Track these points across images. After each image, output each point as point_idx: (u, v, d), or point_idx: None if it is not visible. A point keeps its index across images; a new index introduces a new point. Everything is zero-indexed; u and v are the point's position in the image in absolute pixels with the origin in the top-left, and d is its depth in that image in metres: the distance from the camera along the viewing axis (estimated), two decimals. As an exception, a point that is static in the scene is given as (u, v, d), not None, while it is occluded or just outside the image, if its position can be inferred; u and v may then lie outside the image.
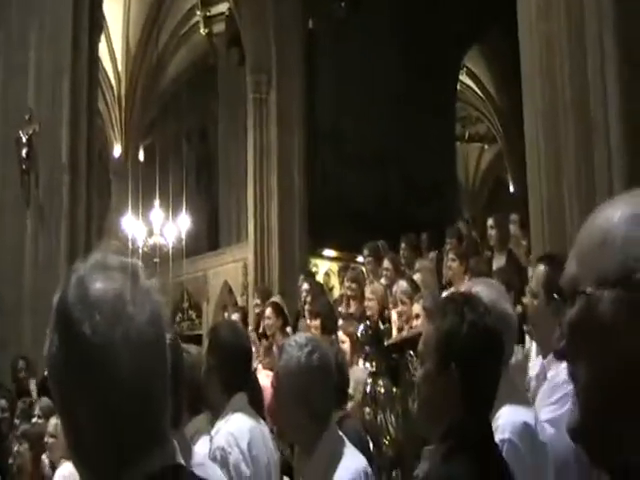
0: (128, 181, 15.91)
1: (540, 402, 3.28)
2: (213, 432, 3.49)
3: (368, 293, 8.28)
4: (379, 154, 16.13)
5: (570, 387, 1.14)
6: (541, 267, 3.53)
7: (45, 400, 7.55)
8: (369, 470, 3.04)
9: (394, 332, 7.21)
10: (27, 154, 12.82)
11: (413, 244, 10.02)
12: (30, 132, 12.74)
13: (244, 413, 3.56)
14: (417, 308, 6.96)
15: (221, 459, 3.34)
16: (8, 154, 12.88)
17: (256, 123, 14.83)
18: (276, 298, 9.60)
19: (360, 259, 10.83)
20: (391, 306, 7.55)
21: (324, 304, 8.21)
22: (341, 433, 3.05)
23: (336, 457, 2.91)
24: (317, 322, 7.70)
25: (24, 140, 12.81)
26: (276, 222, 13.57)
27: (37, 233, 12.40)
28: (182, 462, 1.39)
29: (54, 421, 6.09)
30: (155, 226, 14.96)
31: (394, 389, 6.01)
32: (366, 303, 8.17)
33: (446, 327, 2.23)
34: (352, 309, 8.64)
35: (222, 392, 3.54)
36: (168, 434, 1.37)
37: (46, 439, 6.14)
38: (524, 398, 3.09)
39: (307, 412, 2.88)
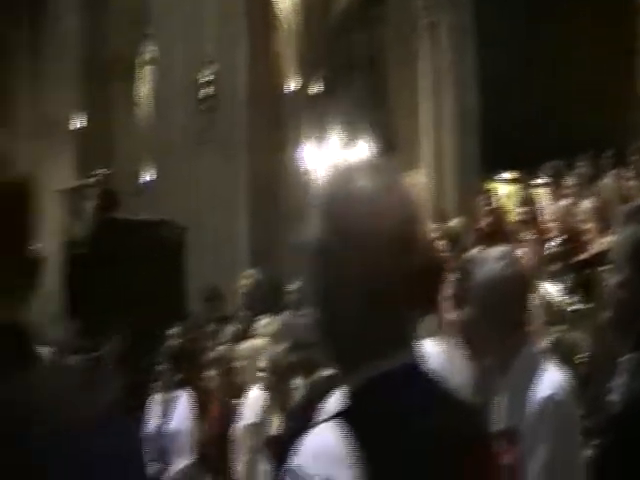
0: (304, 113, 16.27)
1: None
2: None
3: (549, 214, 8.34)
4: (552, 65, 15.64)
5: None
6: None
7: (230, 327, 7.91)
8: (570, 384, 2.92)
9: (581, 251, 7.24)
10: (207, 93, 13.33)
11: (595, 162, 9.93)
12: (209, 74, 13.21)
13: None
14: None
15: None
16: (189, 93, 13.44)
17: (428, 47, 14.74)
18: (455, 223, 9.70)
19: (539, 180, 10.78)
20: (576, 225, 7.59)
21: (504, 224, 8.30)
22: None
23: (535, 372, 2.80)
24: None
25: (204, 80, 13.29)
26: (451, 147, 13.59)
27: (222, 169, 12.97)
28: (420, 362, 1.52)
29: (244, 345, 6.31)
30: (332, 155, 15.30)
31: (585, 305, 5.96)
32: (548, 224, 8.23)
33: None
34: (531, 231, 8.71)
35: None
36: (413, 336, 1.53)
37: (236, 363, 6.29)
38: None
39: (501, 327, 2.82)
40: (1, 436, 1.28)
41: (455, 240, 8.80)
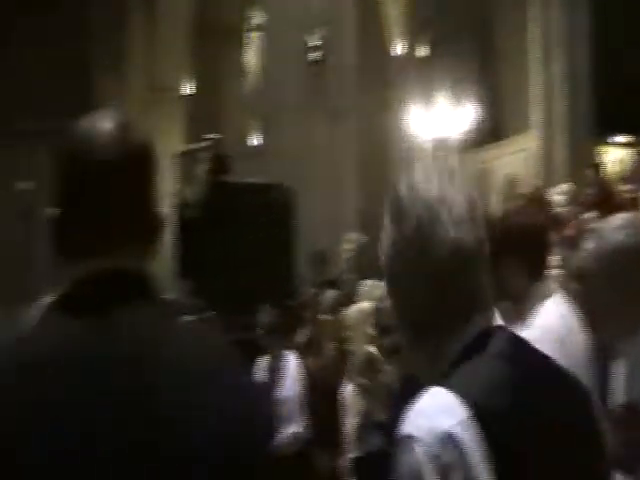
0: (412, 77, 16.19)
1: None
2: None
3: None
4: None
5: None
6: None
7: (330, 292, 7.93)
8: None
9: None
10: (317, 57, 13.38)
11: None
12: (318, 37, 13.25)
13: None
14: None
15: None
16: (299, 58, 13.51)
17: (539, 6, 14.42)
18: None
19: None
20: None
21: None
22: None
23: None
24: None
25: (314, 44, 13.34)
26: (562, 108, 13.31)
27: (330, 133, 13.03)
28: (501, 324, 1.59)
29: (350, 311, 6.29)
30: (440, 119, 15.18)
31: None
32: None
33: None
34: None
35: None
36: (488, 301, 1.58)
37: (345, 331, 6.33)
38: None
39: (624, 297, 2.73)
40: (131, 387, 1.34)
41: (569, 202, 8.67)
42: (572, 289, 3.92)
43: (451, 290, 1.54)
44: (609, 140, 13.83)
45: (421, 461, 1.38)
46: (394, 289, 1.62)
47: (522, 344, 1.61)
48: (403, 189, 1.61)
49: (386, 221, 1.61)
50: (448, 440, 1.39)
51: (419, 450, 1.39)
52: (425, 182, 1.61)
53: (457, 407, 1.41)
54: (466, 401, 1.41)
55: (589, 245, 2.81)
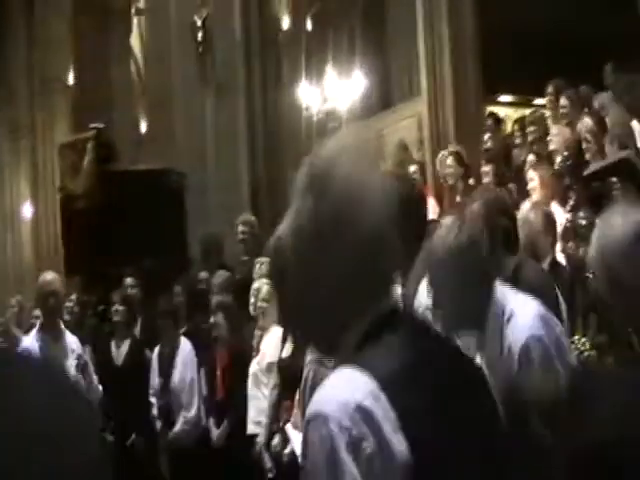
0: (299, 50, 16.11)
1: None
2: None
3: (553, 131, 8.25)
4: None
5: None
6: None
7: (222, 272, 7.85)
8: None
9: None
10: (203, 37, 13.24)
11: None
12: (204, 15, 13.12)
13: None
14: (607, 147, 6.95)
15: None
16: (185, 39, 13.35)
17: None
18: (456, 147, 9.62)
19: (538, 101, 10.62)
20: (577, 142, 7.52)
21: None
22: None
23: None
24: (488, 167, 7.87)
25: (199, 24, 13.21)
26: (449, 72, 13.42)
27: (216, 111, 12.92)
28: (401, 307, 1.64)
29: (266, 287, 6.24)
30: (329, 91, 15.15)
31: (596, 220, 5.84)
32: (551, 139, 8.15)
33: None
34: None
35: None
36: (394, 281, 1.61)
37: (259, 304, 6.28)
38: None
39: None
40: None
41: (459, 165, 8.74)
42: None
43: (364, 272, 1.49)
44: (495, 99, 14.04)
45: (332, 436, 1.36)
46: (298, 271, 1.52)
47: (422, 325, 1.69)
48: (320, 165, 1.53)
49: (298, 199, 1.53)
50: (358, 412, 1.37)
51: (330, 426, 1.37)
52: (342, 159, 1.52)
53: (364, 381, 1.40)
54: (372, 375, 1.40)
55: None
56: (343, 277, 1.48)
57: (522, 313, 2.97)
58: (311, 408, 1.42)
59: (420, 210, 3.64)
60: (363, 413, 1.37)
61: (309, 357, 4.82)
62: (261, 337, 6.34)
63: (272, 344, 6.05)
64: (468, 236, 2.95)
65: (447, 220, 3.16)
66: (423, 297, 3.29)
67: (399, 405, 1.38)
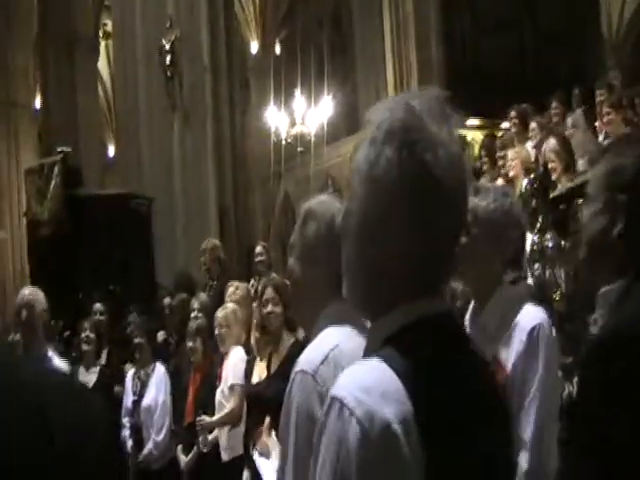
0: (268, 75, 16.16)
1: None
2: None
3: (511, 155, 8.32)
4: (515, 12, 15.68)
5: None
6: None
7: (202, 296, 7.85)
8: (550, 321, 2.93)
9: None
10: (170, 60, 13.19)
11: (563, 100, 9.90)
12: (172, 39, 13.06)
13: None
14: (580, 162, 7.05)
15: None
16: (152, 62, 13.30)
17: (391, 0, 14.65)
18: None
19: (504, 125, 10.73)
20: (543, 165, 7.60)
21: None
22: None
23: (515, 306, 2.86)
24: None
25: (167, 48, 13.15)
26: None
27: (184, 135, 12.87)
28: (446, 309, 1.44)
29: (222, 312, 6.22)
30: (297, 115, 15.15)
31: (562, 242, 5.89)
32: (509, 163, 8.21)
33: (614, 164, 2.11)
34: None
35: None
36: (444, 283, 1.44)
37: (217, 331, 6.19)
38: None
39: (498, 261, 2.85)
40: None
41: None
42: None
43: (434, 243, 1.36)
44: (463, 123, 14.16)
45: (350, 433, 1.25)
46: (365, 224, 1.40)
47: (463, 338, 1.49)
48: (403, 117, 1.37)
49: (370, 149, 1.38)
50: (384, 431, 1.25)
51: (351, 422, 1.26)
52: (424, 113, 1.37)
53: (402, 397, 1.27)
54: (412, 390, 1.28)
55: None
56: (414, 239, 1.35)
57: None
58: (339, 390, 1.31)
59: None
60: (389, 435, 1.26)
61: (297, 368, 4.76)
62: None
63: (232, 365, 6.00)
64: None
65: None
66: None
67: (429, 437, 1.27)
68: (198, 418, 6.12)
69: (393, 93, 13.82)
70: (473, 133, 13.06)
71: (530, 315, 2.83)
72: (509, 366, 2.74)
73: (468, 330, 2.84)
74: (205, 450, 6.07)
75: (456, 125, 1.38)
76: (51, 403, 1.11)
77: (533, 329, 2.78)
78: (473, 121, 13.92)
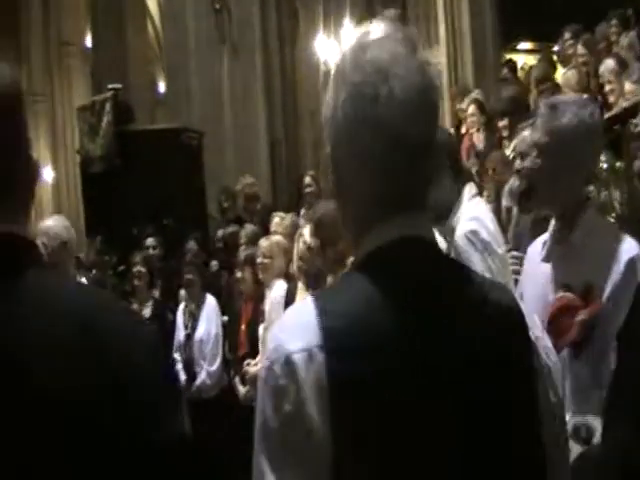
0: (316, 4, 15.97)
1: None
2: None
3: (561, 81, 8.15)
4: None
5: None
6: None
7: (249, 226, 7.87)
8: None
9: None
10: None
11: (623, 19, 9.56)
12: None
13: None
14: (628, 85, 6.85)
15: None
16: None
17: None
18: (477, 94, 9.45)
19: (556, 48, 10.46)
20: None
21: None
22: None
23: (610, 233, 2.77)
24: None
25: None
26: (467, 21, 13.25)
27: (233, 68, 12.84)
28: (426, 234, 1.37)
29: (266, 242, 6.15)
30: (346, 44, 14.91)
31: (617, 163, 5.69)
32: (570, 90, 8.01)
33: None
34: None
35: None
36: (422, 201, 1.36)
37: (259, 260, 6.12)
38: None
39: (582, 177, 2.78)
40: None
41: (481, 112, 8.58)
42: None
43: (401, 170, 1.32)
44: (514, 47, 13.85)
45: (264, 380, 1.28)
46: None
47: (441, 263, 1.38)
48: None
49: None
50: (284, 361, 1.25)
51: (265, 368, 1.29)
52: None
53: (311, 328, 1.26)
54: (325, 321, 1.25)
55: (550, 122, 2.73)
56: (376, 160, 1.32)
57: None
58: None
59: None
60: (290, 367, 1.25)
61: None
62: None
63: (275, 301, 5.81)
64: None
65: None
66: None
67: (337, 372, 1.23)
68: (244, 369, 6.09)
69: (442, 16, 13.59)
70: (525, 57, 12.78)
71: (627, 246, 2.68)
72: (604, 296, 2.61)
73: (547, 250, 2.77)
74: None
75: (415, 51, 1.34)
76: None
77: (631, 260, 2.63)
78: (525, 44, 13.62)
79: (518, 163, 4.93)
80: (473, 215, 3.27)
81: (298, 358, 1.24)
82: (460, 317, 1.30)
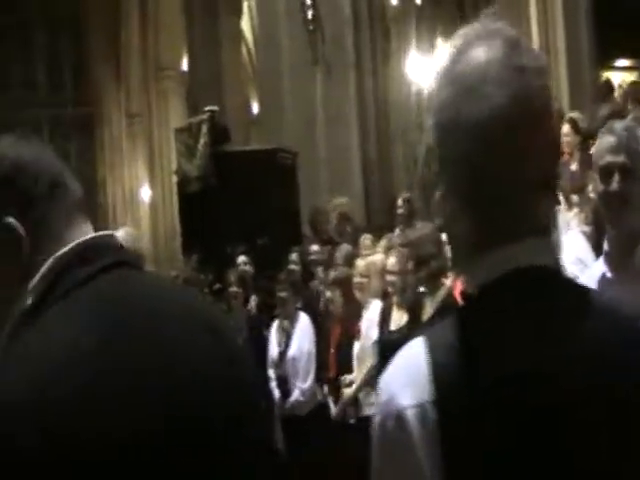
0: (409, 24, 16.00)
1: None
2: None
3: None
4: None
5: None
6: None
7: (345, 246, 7.89)
8: None
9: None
10: (312, 15, 13.26)
11: None
12: (313, -4, 13.12)
13: None
14: None
15: None
16: (294, 17, 13.39)
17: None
18: (572, 114, 9.27)
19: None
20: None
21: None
22: None
23: None
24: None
25: (308, 2, 13.22)
26: (562, 36, 13.09)
27: (327, 88, 12.94)
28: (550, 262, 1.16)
29: (363, 262, 6.19)
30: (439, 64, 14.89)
31: None
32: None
33: None
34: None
35: None
36: (541, 224, 1.16)
37: (357, 279, 6.13)
38: None
39: None
40: None
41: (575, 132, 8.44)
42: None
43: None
44: (611, 64, 13.59)
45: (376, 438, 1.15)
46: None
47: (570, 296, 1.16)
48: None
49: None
50: (397, 418, 1.12)
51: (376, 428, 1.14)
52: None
53: (424, 380, 1.12)
54: (437, 371, 1.11)
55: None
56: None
57: None
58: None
59: None
60: (402, 425, 1.12)
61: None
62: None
63: (372, 321, 5.82)
64: None
65: None
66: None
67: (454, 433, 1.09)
68: (341, 390, 6.09)
69: (536, 35, 13.45)
70: (623, 74, 12.52)
71: None
72: None
73: (612, 273, 2.70)
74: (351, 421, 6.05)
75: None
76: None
77: None
78: (623, 62, 13.35)
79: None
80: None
81: (410, 415, 1.11)
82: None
